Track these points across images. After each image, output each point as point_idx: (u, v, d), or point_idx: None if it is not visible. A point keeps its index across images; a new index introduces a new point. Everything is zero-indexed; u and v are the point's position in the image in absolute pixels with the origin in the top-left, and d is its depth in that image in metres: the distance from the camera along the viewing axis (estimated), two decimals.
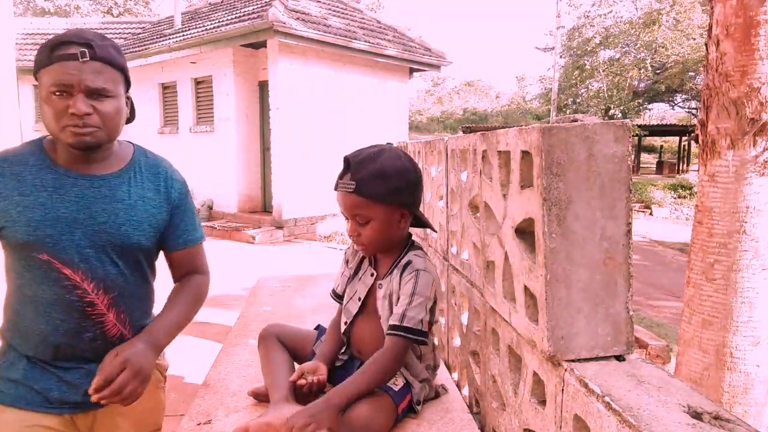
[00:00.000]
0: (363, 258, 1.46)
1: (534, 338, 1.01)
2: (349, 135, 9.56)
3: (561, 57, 26.60)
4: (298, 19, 8.74)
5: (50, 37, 1.17)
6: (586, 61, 27.38)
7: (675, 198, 16.16)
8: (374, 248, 1.37)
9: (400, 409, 1.27)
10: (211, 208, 10.08)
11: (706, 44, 2.56)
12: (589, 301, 0.94)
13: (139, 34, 12.61)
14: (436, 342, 2.05)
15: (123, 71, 1.22)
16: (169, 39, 10.09)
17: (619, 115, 25.58)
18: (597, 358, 0.94)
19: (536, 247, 0.98)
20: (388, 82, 10.91)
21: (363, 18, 11.40)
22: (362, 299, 1.41)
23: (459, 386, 1.67)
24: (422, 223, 1.42)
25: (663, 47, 23.80)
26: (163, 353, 1.43)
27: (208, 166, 10.03)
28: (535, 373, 1.05)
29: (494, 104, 45.05)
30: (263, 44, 9.00)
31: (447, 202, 1.87)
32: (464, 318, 1.65)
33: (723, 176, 2.41)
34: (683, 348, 2.62)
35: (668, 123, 28.11)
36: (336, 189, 1.30)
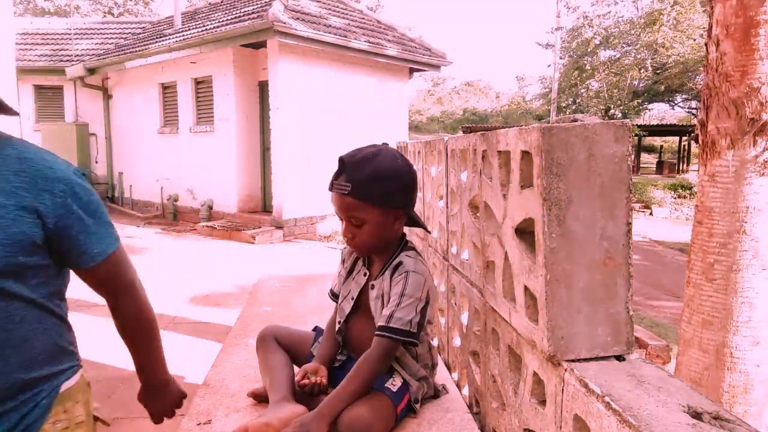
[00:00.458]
0: (358, 258, 1.46)
1: (534, 338, 1.01)
2: (348, 135, 9.54)
3: (561, 58, 26.59)
4: (298, 19, 8.73)
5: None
6: (585, 62, 27.38)
7: (675, 198, 16.18)
8: (368, 249, 1.37)
9: (399, 409, 1.28)
10: (211, 208, 10.07)
11: (706, 44, 2.56)
12: (589, 301, 0.94)
13: (139, 34, 12.59)
14: (435, 342, 2.05)
15: None
16: (169, 39, 10.08)
17: (619, 115, 25.58)
18: (597, 358, 0.94)
19: (536, 247, 0.98)
20: (388, 82, 10.90)
21: (363, 18, 11.39)
22: (355, 299, 1.41)
23: (459, 386, 1.67)
24: (415, 222, 1.41)
25: (663, 47, 23.81)
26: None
27: (208, 166, 10.03)
28: (535, 373, 1.05)
29: (494, 104, 44.98)
30: (263, 44, 8.99)
31: (447, 202, 1.87)
32: (464, 318, 1.64)
33: (723, 176, 2.41)
34: (683, 348, 2.62)
35: (668, 123, 28.17)
36: (331, 189, 1.30)
